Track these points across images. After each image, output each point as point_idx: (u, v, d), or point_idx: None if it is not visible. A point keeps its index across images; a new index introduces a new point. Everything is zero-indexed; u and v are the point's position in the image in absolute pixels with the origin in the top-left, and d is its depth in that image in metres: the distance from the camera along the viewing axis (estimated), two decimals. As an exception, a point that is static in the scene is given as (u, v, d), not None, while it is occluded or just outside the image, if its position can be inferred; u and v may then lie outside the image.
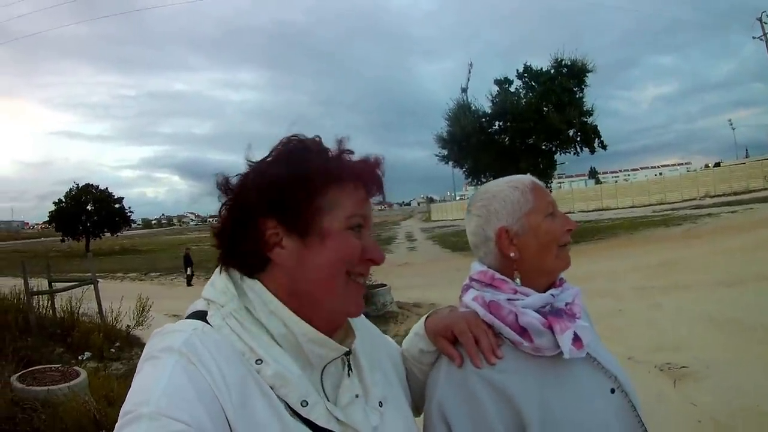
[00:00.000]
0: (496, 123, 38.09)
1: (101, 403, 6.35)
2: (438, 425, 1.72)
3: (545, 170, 38.01)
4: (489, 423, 1.65)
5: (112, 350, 11.25)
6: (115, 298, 13.24)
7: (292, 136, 1.41)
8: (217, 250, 1.43)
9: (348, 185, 1.37)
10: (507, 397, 1.67)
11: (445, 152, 39.14)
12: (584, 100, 36.96)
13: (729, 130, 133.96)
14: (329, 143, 1.43)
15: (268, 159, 1.39)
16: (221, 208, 1.42)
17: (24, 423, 6.02)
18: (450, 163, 40.56)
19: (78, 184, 73.11)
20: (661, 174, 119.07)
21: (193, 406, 1.08)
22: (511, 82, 38.83)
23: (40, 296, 12.73)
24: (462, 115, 37.64)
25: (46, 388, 6.58)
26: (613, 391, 1.79)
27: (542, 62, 38.07)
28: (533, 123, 35.29)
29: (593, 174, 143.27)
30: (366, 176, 1.41)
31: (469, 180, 44.00)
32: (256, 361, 1.25)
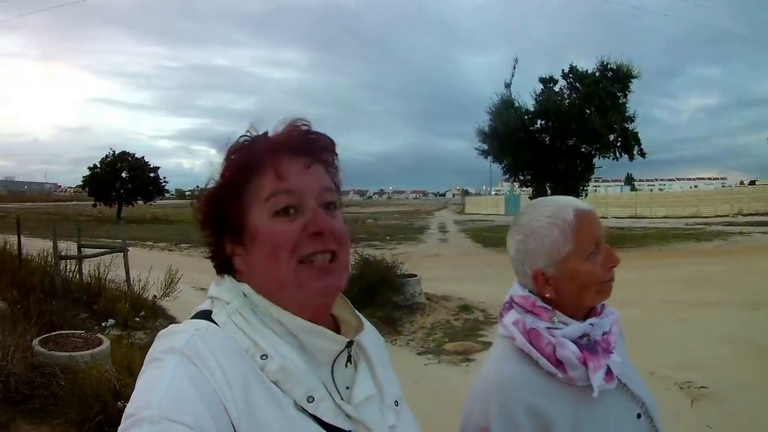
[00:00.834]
0: (538, 121, 37.94)
1: (122, 374, 6.37)
2: None
3: (583, 173, 38.02)
4: None
5: (137, 319, 11.36)
6: (143, 266, 13.36)
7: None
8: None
9: (263, 169, 1.35)
10: (544, 421, 1.74)
11: (485, 146, 38.94)
12: (627, 105, 36.69)
13: (767, 148, 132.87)
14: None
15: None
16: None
17: (42, 387, 6.08)
18: (489, 157, 40.44)
19: (114, 151, 73.56)
20: (696, 186, 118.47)
21: (195, 407, 1.08)
22: (555, 82, 38.64)
23: (68, 260, 12.82)
24: (505, 110, 37.44)
25: (67, 353, 6.64)
26: (639, 416, 1.84)
27: (587, 63, 38.00)
28: (575, 125, 35.10)
29: (629, 180, 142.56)
30: (276, 150, 1.36)
31: (507, 176, 43.87)
32: (261, 356, 1.23)
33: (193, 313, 1.36)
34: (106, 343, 7.24)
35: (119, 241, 16.21)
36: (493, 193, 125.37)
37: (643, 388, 1.91)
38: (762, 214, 54.03)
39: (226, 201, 1.34)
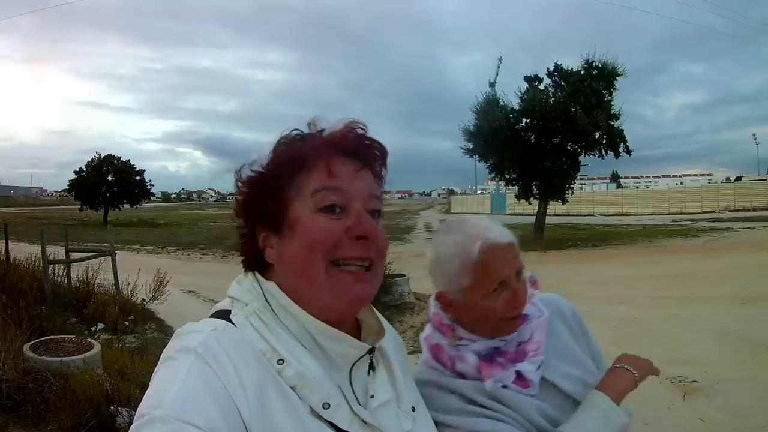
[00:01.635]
0: (524, 120, 37.94)
1: (114, 378, 6.37)
2: None
3: (569, 171, 38.16)
4: None
5: (126, 323, 11.30)
6: (131, 270, 13.30)
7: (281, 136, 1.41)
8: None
9: (313, 164, 1.33)
10: None
11: (471, 146, 38.99)
12: (612, 103, 36.82)
13: (752, 144, 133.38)
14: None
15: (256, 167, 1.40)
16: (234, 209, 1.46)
17: (34, 393, 6.05)
18: (474, 156, 40.42)
19: (100, 155, 73.25)
20: (682, 183, 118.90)
21: (207, 408, 1.08)
22: (540, 80, 38.74)
23: (57, 265, 12.77)
24: (490, 109, 37.55)
25: (58, 358, 6.61)
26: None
27: (572, 62, 37.98)
28: (560, 123, 35.19)
29: (615, 178, 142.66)
30: (333, 147, 1.35)
31: (492, 175, 43.77)
32: (278, 361, 1.23)
33: (212, 312, 1.37)
34: (97, 347, 7.20)
35: (107, 244, 16.16)
36: (478, 192, 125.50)
37: (580, 386, 1.88)
38: (748, 210, 54.30)
39: (270, 188, 1.33)
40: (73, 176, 71.40)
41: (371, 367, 1.40)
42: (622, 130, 36.78)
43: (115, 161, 72.87)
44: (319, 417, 1.22)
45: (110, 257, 14.18)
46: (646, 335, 10.65)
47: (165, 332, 11.60)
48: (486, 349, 1.84)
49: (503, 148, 36.87)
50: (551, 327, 1.97)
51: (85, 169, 71.20)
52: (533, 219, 41.21)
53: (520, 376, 1.80)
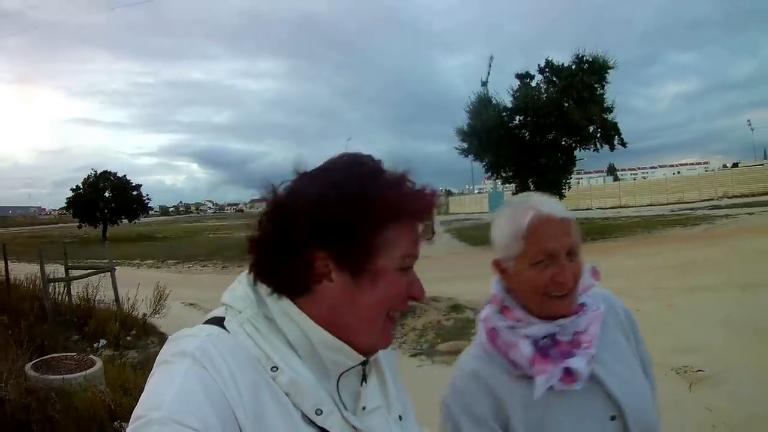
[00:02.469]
0: (517, 117, 38.14)
1: (117, 393, 6.36)
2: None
3: (565, 166, 38.41)
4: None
5: (128, 338, 11.37)
6: (132, 285, 13.35)
7: (346, 154, 1.36)
8: (248, 255, 1.37)
9: (409, 226, 1.33)
10: (504, 412, 1.91)
11: (465, 146, 39.19)
12: (605, 96, 36.96)
13: (748, 130, 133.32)
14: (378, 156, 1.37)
15: (321, 175, 1.32)
16: (264, 217, 1.35)
17: (38, 412, 6.04)
18: (470, 156, 40.64)
19: (96, 171, 73.62)
20: (679, 173, 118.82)
21: (204, 411, 1.08)
22: (532, 77, 38.98)
23: (57, 283, 12.76)
24: (483, 108, 37.79)
25: (61, 376, 6.60)
26: (613, 418, 1.86)
27: (563, 57, 38.17)
28: (554, 118, 35.35)
29: (612, 171, 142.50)
30: (423, 213, 1.34)
31: (489, 174, 44.06)
32: (272, 368, 1.23)
33: (205, 319, 1.36)
34: (99, 363, 7.20)
35: (106, 261, 16.19)
36: (476, 191, 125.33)
37: (626, 388, 1.90)
38: (747, 196, 54.35)
39: (364, 227, 1.27)
40: (69, 194, 71.70)
41: (364, 377, 1.41)
42: (615, 123, 36.93)
43: (112, 177, 73.21)
44: (312, 423, 1.24)
45: (110, 273, 14.21)
46: (649, 327, 10.41)
47: (167, 346, 11.63)
48: (542, 334, 1.88)
49: (498, 146, 37.10)
50: (609, 325, 2.02)
51: (82, 186, 71.58)
52: (532, 216, 41.32)
53: (567, 372, 1.83)
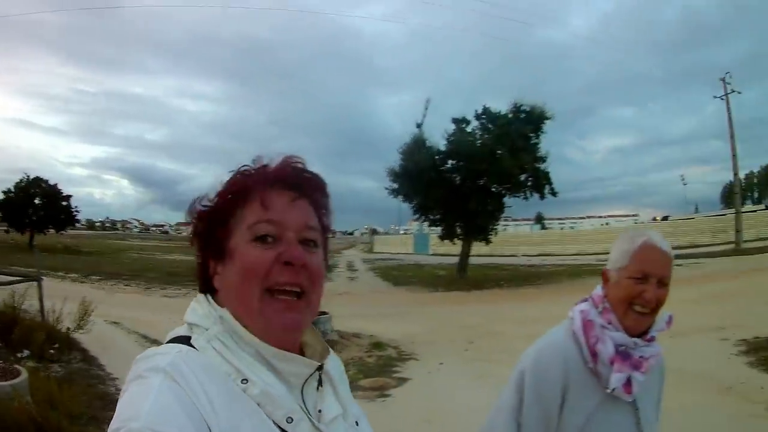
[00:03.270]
0: (449, 161, 38.63)
1: (43, 406, 6.26)
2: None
3: (493, 212, 38.85)
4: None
5: (52, 351, 11.15)
6: (55, 297, 13.18)
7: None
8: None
9: (251, 198, 1.40)
10: (567, 394, 2.31)
11: (396, 186, 39.48)
12: (539, 146, 37.57)
13: (680, 185, 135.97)
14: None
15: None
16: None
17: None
18: (399, 197, 40.81)
19: (28, 176, 72.02)
20: (608, 224, 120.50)
21: (180, 421, 1.10)
22: (468, 122, 39.45)
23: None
24: (416, 150, 37.99)
25: (-15, 384, 6.49)
26: None
27: (501, 105, 38.63)
28: (486, 165, 35.72)
29: (539, 219, 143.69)
30: (267, 180, 1.42)
31: (417, 215, 43.99)
32: (242, 380, 1.26)
33: (168, 338, 1.39)
34: (25, 374, 7.14)
35: (32, 269, 15.89)
36: (401, 232, 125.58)
37: (652, 426, 2.37)
38: (675, 248, 55.20)
39: (216, 221, 1.41)
40: (1, 196, 70.14)
41: (320, 383, 1.45)
42: (547, 173, 37.63)
43: (43, 184, 71.78)
44: (284, 431, 1.27)
45: (37, 283, 13.95)
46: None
47: (89, 362, 11.55)
48: (623, 343, 2.30)
49: (428, 188, 37.41)
50: (655, 371, 2.44)
51: (13, 190, 70.00)
52: (457, 259, 41.69)
53: (628, 383, 2.23)
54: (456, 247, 42.27)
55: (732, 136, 50.37)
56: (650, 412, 2.40)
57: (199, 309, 1.41)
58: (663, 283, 2.34)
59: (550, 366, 2.35)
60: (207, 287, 1.45)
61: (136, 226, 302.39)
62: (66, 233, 77.94)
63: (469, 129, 39.29)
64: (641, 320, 2.32)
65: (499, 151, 35.82)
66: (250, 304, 1.34)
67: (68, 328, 12.31)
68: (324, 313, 14.87)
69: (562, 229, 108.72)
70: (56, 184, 73.65)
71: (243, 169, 1.46)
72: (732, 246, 47.01)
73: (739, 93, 52.40)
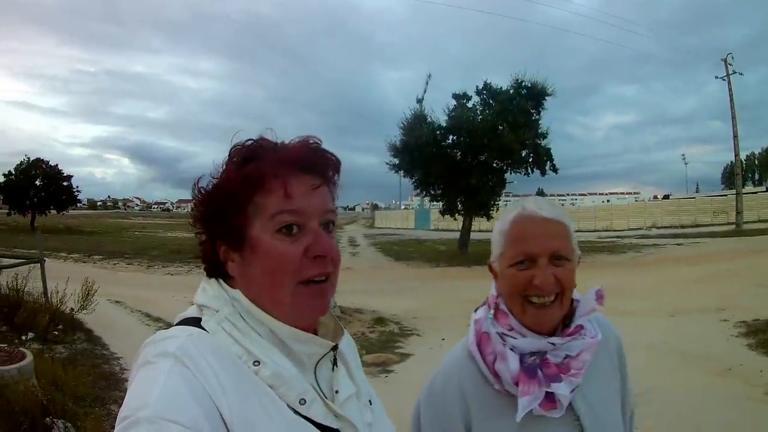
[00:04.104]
0: (450, 137, 38.45)
1: (48, 389, 6.28)
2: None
3: (494, 188, 38.82)
4: None
5: (56, 333, 11.19)
6: (59, 278, 13.01)
7: (233, 145, 1.41)
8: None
9: (271, 185, 1.33)
10: (473, 422, 1.88)
11: (396, 161, 39.35)
12: (540, 122, 37.53)
13: (682, 164, 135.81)
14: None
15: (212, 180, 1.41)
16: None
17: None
18: (400, 172, 40.95)
19: (29, 158, 72.18)
20: (609, 201, 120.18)
21: (190, 408, 1.10)
22: (469, 98, 39.38)
23: (-15, 272, 12.45)
24: (417, 125, 37.89)
25: (-8, 367, 6.50)
26: None
27: (503, 80, 38.42)
28: (487, 140, 35.70)
29: (540, 195, 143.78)
30: (287, 166, 1.35)
31: (417, 191, 44.20)
32: (254, 362, 1.26)
33: (177, 320, 1.38)
34: (30, 357, 7.12)
35: (34, 251, 15.87)
36: (402, 207, 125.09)
37: (601, 427, 1.85)
38: (676, 227, 55.13)
39: (230, 208, 1.35)
40: (1, 179, 69.98)
41: (334, 363, 1.45)
42: (549, 149, 37.56)
43: (44, 165, 71.71)
44: (297, 413, 1.27)
45: (39, 264, 13.95)
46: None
47: (94, 343, 11.56)
48: (531, 349, 1.81)
49: (429, 163, 37.30)
50: (601, 355, 1.94)
51: (14, 173, 69.84)
52: (458, 235, 41.80)
53: (549, 397, 1.77)
54: (457, 223, 42.42)
55: (733, 117, 50.12)
56: (603, 412, 1.89)
57: (209, 290, 1.39)
58: (559, 257, 1.81)
59: (445, 396, 1.94)
60: (217, 272, 1.41)
61: (137, 205, 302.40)
62: (67, 213, 78.02)
63: (470, 104, 39.19)
64: (545, 314, 1.82)
65: (500, 127, 35.78)
66: (281, 298, 1.32)
67: (72, 309, 12.27)
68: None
69: (563, 205, 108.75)
70: (57, 165, 73.74)
71: (251, 145, 1.39)
72: (733, 227, 46.91)
73: (741, 74, 52.21)
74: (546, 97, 37.32)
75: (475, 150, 36.86)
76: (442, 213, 42.74)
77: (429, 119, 38.88)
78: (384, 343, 13.41)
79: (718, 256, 27.31)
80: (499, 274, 1.92)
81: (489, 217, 39.22)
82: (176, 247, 44.35)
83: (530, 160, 37.76)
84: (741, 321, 12.84)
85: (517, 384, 1.78)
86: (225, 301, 1.35)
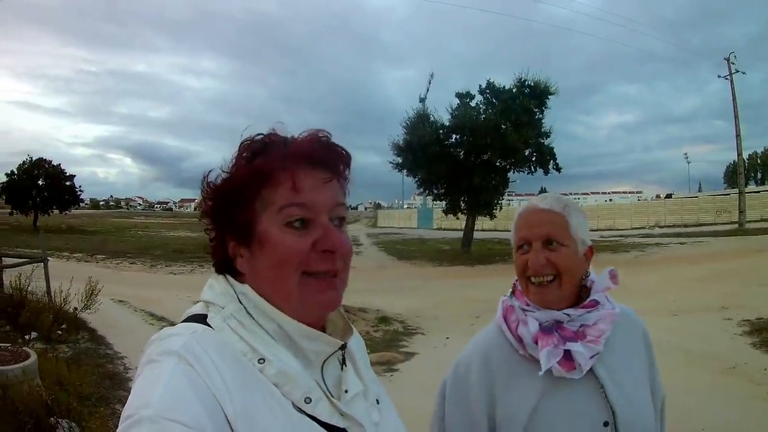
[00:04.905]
0: (453, 136, 38.63)
1: (52, 388, 6.28)
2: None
3: (497, 187, 38.91)
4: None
5: (59, 332, 11.18)
6: (61, 277, 13.13)
7: (243, 140, 1.40)
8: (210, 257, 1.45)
9: (279, 179, 1.33)
10: (498, 390, 2.02)
11: (400, 160, 39.42)
12: (543, 121, 37.69)
13: (684, 163, 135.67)
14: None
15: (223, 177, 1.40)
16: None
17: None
18: (403, 171, 40.93)
19: (31, 158, 72.14)
20: (611, 200, 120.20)
21: (193, 407, 1.09)
22: (472, 97, 39.52)
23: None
24: (420, 124, 38.06)
25: (-5, 367, 6.50)
26: (606, 424, 1.88)
27: (506, 79, 38.54)
28: (490, 139, 35.71)
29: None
30: (296, 160, 1.34)
31: (420, 190, 44.38)
32: (259, 360, 1.26)
33: (184, 317, 1.38)
34: (34, 356, 7.11)
35: (37, 250, 15.89)
36: (405, 206, 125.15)
37: (628, 396, 1.93)
38: (678, 226, 55.09)
39: (237, 203, 1.34)
40: (4, 179, 70.05)
41: (343, 362, 1.44)
42: (552, 148, 37.65)
43: (47, 165, 71.74)
44: (302, 411, 1.26)
45: (43, 264, 13.96)
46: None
47: (97, 342, 11.57)
48: (548, 319, 1.98)
49: (432, 163, 37.40)
50: (625, 334, 2.09)
51: (16, 172, 69.90)
52: (461, 234, 41.78)
53: (568, 357, 1.89)
54: (460, 222, 42.52)
55: (736, 116, 50.05)
56: (626, 383, 1.96)
57: (216, 287, 1.39)
58: (551, 242, 2.01)
59: (469, 368, 2.10)
60: (226, 269, 1.40)
61: (140, 204, 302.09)
62: (70, 213, 77.97)
63: (473, 104, 39.26)
64: (543, 292, 2.00)
65: (503, 126, 35.84)
66: (288, 291, 1.31)
67: (75, 309, 12.26)
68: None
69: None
70: (59, 165, 73.75)
71: (260, 140, 1.39)
72: (735, 226, 46.86)
73: (744, 73, 52.19)
74: (549, 96, 37.50)
75: (478, 149, 36.93)
76: (445, 212, 42.83)
77: (432, 118, 39.02)
78: (388, 342, 13.45)
79: (720, 255, 27.29)
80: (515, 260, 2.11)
81: (492, 216, 39.44)
82: (179, 246, 44.48)
83: (533, 159, 37.92)
84: (745, 320, 12.86)
85: (536, 342, 1.94)
86: (231, 297, 1.35)
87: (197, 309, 1.38)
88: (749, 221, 47.58)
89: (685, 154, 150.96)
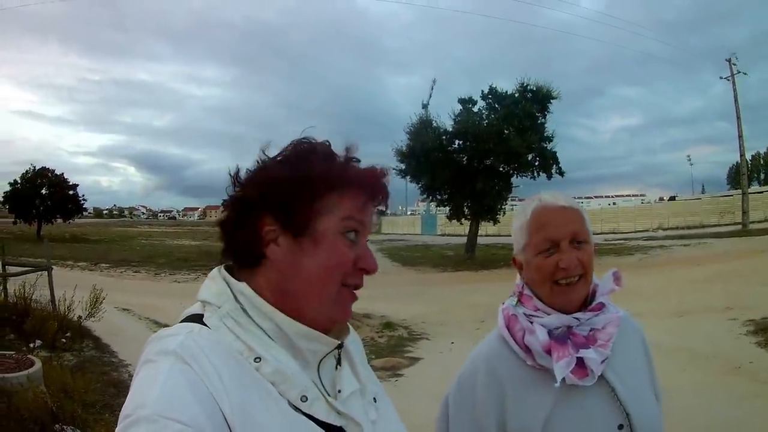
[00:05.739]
0: (456, 141, 38.67)
1: (57, 396, 6.28)
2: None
3: (500, 192, 38.89)
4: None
5: (64, 340, 11.19)
6: (66, 286, 13.08)
7: (302, 138, 1.44)
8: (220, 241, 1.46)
9: (350, 192, 1.38)
10: (509, 401, 1.94)
11: (403, 166, 39.47)
12: (546, 125, 37.78)
13: (687, 165, 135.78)
14: (339, 146, 1.46)
15: (276, 158, 1.42)
16: (227, 200, 1.44)
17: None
18: (406, 177, 41.07)
19: (35, 167, 71.88)
20: (615, 204, 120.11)
21: (190, 406, 1.10)
22: (474, 102, 39.61)
23: (-7, 279, 12.49)
24: (423, 130, 38.16)
25: (0, 375, 6.52)
26: (621, 427, 1.86)
27: (508, 84, 38.58)
28: (493, 145, 35.72)
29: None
30: (369, 184, 1.43)
31: (424, 196, 44.45)
32: (255, 359, 1.27)
33: (182, 317, 1.39)
34: (38, 364, 7.14)
35: (41, 259, 15.91)
36: (408, 213, 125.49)
37: (640, 399, 1.93)
38: (682, 228, 55.03)
39: (304, 194, 1.36)
40: (7, 188, 70.06)
41: (338, 362, 1.46)
42: (554, 152, 37.74)
43: (50, 174, 71.62)
44: (298, 410, 1.27)
45: (47, 272, 13.98)
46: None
47: (102, 350, 11.56)
48: (559, 325, 1.93)
49: (435, 168, 37.51)
50: (626, 336, 2.05)
51: (19, 181, 69.91)
52: (464, 239, 41.87)
53: (580, 365, 1.86)
54: (464, 228, 42.58)
55: (738, 117, 50.05)
56: (635, 385, 1.96)
57: (212, 286, 1.40)
58: (578, 240, 1.95)
59: (474, 381, 2.03)
60: (240, 252, 1.41)
61: (143, 213, 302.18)
62: (73, 222, 77.82)
63: (475, 109, 39.36)
64: (572, 292, 1.94)
65: (505, 131, 35.93)
66: (325, 292, 1.36)
67: (80, 317, 12.29)
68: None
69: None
70: (63, 174, 73.55)
71: (328, 146, 1.45)
72: (739, 227, 46.82)
73: (746, 74, 52.16)
74: (551, 101, 37.59)
75: (481, 154, 36.99)
76: (449, 218, 43.00)
77: (435, 124, 39.11)
78: (393, 348, 13.48)
79: (725, 256, 27.26)
80: (525, 264, 2.03)
81: (496, 222, 39.48)
82: (183, 254, 44.47)
83: (536, 163, 37.90)
84: (749, 319, 12.85)
85: (548, 353, 1.88)
86: (228, 296, 1.35)
87: (194, 309, 1.39)
88: (752, 222, 47.55)
89: (688, 156, 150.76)
